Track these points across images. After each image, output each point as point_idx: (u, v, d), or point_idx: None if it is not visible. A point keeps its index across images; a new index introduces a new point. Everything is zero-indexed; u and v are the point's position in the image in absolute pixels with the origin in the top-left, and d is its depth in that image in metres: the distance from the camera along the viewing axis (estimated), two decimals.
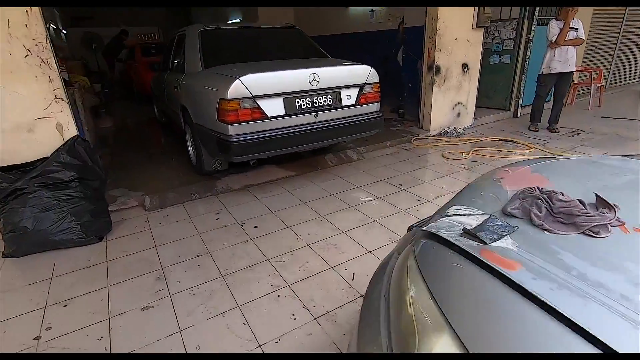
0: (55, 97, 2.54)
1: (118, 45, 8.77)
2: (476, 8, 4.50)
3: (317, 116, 2.86)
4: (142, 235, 2.59)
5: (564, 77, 4.58)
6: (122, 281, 2.10)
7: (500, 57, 5.55)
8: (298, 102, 2.75)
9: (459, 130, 4.86)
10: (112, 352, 1.62)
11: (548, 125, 4.89)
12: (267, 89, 2.60)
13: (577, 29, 4.37)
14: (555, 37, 4.41)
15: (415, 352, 0.61)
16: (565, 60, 4.47)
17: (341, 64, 2.95)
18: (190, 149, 3.60)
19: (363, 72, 3.00)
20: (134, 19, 13.29)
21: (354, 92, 2.99)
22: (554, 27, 4.44)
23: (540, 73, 4.70)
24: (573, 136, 4.57)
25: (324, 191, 3.18)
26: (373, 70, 3.04)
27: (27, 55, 2.39)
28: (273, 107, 2.67)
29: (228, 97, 2.46)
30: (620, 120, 5.25)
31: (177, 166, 3.91)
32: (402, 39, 5.70)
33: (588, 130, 4.76)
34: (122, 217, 2.92)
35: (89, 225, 2.49)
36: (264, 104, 2.61)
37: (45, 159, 2.49)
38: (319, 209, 2.86)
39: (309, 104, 2.80)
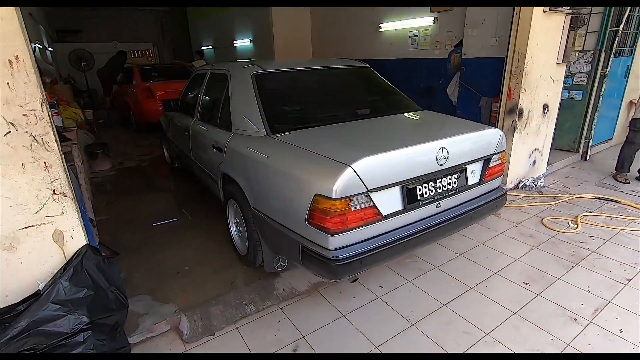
0: (54, 193, 1.59)
1: (117, 67, 7.76)
2: (564, 42, 3.77)
3: (440, 205, 1.98)
4: None
5: None
6: None
7: (569, 92, 4.84)
8: (420, 190, 1.87)
9: (538, 183, 4.07)
10: None
11: (638, 175, 4.16)
12: (386, 178, 1.71)
13: None
14: None
15: None
16: None
17: (469, 129, 2.09)
18: (233, 230, 2.67)
19: (493, 139, 2.15)
20: (125, 34, 12.26)
21: (478, 167, 2.15)
22: None
23: (637, 117, 3.99)
24: None
25: (426, 295, 2.29)
26: (503, 134, 2.19)
27: (8, 132, 1.44)
28: (389, 201, 1.78)
29: (334, 196, 1.56)
30: None
31: (211, 244, 2.96)
32: (456, 70, 4.94)
33: None
34: (149, 348, 1.97)
35: None
36: (378, 198, 1.72)
37: (35, 296, 1.53)
38: (443, 340, 1.96)
39: (432, 191, 1.92)
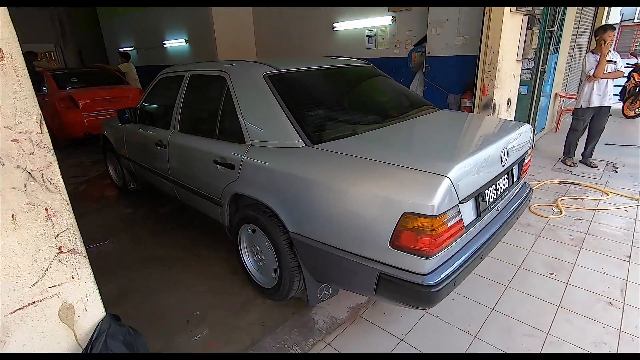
0: (61, 250, 1.09)
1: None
2: (523, 40, 4.05)
3: (499, 209, 1.88)
4: None
5: (602, 111, 4.40)
6: None
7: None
8: (487, 195, 1.74)
9: None
10: None
11: (582, 158, 4.69)
12: (470, 186, 1.53)
13: (615, 61, 4.22)
14: (593, 70, 4.20)
15: None
16: (605, 94, 4.29)
17: (513, 126, 2.03)
18: (248, 260, 2.26)
19: (528, 134, 2.12)
20: (21, 33, 10.23)
21: (517, 164, 2.10)
22: (591, 60, 4.24)
23: (579, 107, 4.48)
24: (617, 171, 4.40)
25: (470, 301, 2.20)
26: (530, 127, 2.19)
27: None
28: (468, 211, 1.61)
29: (434, 213, 1.33)
30: (627, 147, 5.38)
31: (214, 281, 2.50)
32: (418, 68, 5.04)
33: (617, 162, 4.67)
34: None
35: None
36: (463, 209, 1.54)
37: None
38: (512, 348, 1.87)
39: (494, 194, 1.81)
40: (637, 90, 7.25)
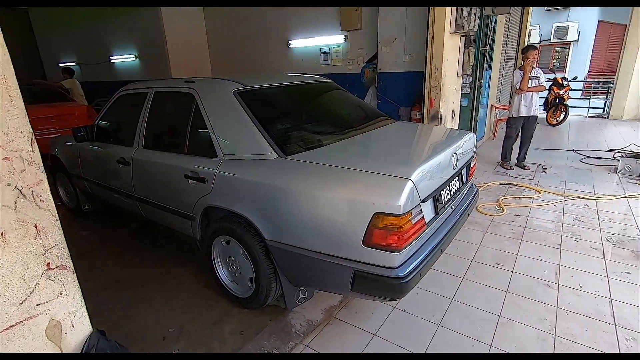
0: (49, 267, 1.10)
1: None
2: (462, 58, 4.53)
3: (453, 208, 2.12)
4: None
5: (530, 120, 5.00)
6: None
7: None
8: (442, 195, 1.96)
9: None
10: None
11: (517, 162, 5.27)
12: (428, 187, 1.74)
13: (538, 77, 4.85)
14: (519, 84, 4.80)
15: None
16: (531, 105, 4.89)
17: (459, 134, 2.30)
18: (222, 272, 2.30)
19: (472, 141, 2.42)
20: None
21: (465, 168, 2.38)
22: (517, 75, 4.84)
23: (511, 116, 5.05)
24: (546, 172, 5.00)
25: (431, 294, 2.41)
26: (474, 135, 2.49)
27: None
28: (427, 209, 1.81)
29: (402, 212, 1.51)
30: (552, 150, 6.12)
31: (186, 295, 2.48)
32: (371, 83, 5.38)
33: (545, 164, 5.30)
34: None
35: None
36: (424, 208, 1.74)
37: None
38: (472, 332, 2.09)
39: (448, 194, 2.04)
40: (557, 101, 8.26)
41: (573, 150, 6.10)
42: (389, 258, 1.59)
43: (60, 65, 9.20)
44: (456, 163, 2.05)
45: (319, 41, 5.77)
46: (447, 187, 2.03)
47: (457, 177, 2.18)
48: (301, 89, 2.58)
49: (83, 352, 1.15)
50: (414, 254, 1.72)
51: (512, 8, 6.08)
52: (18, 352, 1.04)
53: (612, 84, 9.33)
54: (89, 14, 7.94)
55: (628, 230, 3.26)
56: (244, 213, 1.94)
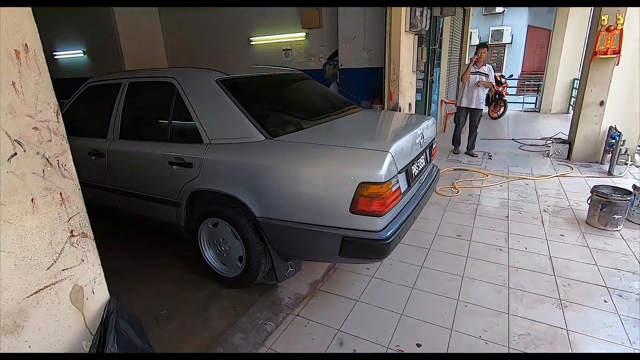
0: (72, 234, 1.16)
1: None
2: (416, 55, 4.92)
3: (420, 182, 2.39)
4: None
5: (473, 112, 5.54)
6: None
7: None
8: (413, 170, 2.22)
9: None
10: None
11: (467, 150, 5.80)
12: (403, 160, 1.98)
13: (487, 74, 5.37)
14: (462, 76, 5.33)
15: None
16: (471, 98, 5.42)
17: (422, 118, 2.58)
18: (209, 255, 2.38)
19: (434, 124, 2.72)
20: None
21: (428, 148, 2.68)
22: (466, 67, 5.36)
23: (458, 105, 5.57)
24: (492, 158, 5.57)
25: (404, 264, 2.68)
26: (435, 119, 2.80)
27: (13, 155, 1.00)
28: (402, 181, 2.06)
29: (384, 180, 1.73)
30: (496, 140, 6.79)
31: (175, 280, 2.52)
32: (332, 79, 5.63)
33: (491, 152, 5.91)
34: None
35: None
36: (400, 178, 1.98)
37: None
38: (441, 291, 2.38)
39: (417, 170, 2.31)
40: (497, 97, 9.12)
41: (512, 139, 6.82)
42: (373, 222, 1.80)
43: None
44: (422, 142, 2.32)
45: (281, 38, 5.91)
46: (416, 163, 2.29)
47: (423, 156, 2.46)
48: (278, 79, 2.72)
49: (105, 316, 1.22)
50: (393, 219, 1.95)
51: (456, 10, 6.64)
52: (45, 316, 1.09)
53: (542, 82, 10.50)
54: None
55: (560, 202, 3.81)
56: (235, 194, 2.06)
